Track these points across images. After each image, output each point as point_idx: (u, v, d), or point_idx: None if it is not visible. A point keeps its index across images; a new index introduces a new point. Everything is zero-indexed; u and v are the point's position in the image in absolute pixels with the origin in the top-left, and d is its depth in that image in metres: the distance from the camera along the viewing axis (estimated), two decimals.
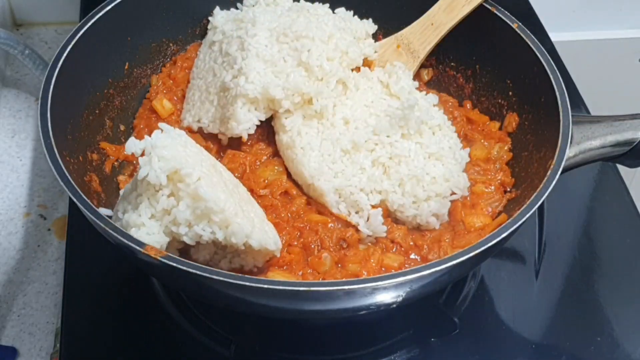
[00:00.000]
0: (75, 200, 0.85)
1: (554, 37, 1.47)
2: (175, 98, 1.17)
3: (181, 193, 0.83)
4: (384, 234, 1.01)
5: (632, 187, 1.25)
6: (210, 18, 1.21)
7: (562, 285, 1.11)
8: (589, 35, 1.77)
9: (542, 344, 1.04)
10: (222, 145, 1.12)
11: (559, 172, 0.90)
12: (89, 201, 0.85)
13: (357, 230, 1.01)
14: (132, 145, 0.84)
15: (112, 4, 1.08)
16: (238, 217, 0.84)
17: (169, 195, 0.83)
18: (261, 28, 1.09)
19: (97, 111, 1.08)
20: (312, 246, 0.98)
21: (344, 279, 0.87)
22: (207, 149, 1.10)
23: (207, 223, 0.83)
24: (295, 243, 0.99)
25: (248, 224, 0.86)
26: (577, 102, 1.36)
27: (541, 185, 0.89)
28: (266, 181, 1.06)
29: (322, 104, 1.06)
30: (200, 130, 1.13)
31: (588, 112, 1.35)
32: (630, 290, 1.11)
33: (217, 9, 1.21)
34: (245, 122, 1.07)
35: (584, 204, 1.24)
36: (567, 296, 1.10)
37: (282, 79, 1.05)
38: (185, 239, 0.85)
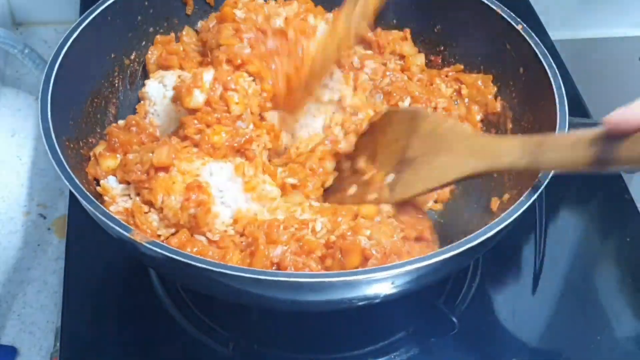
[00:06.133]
0: (68, 184, 0.85)
1: (553, 36, 1.47)
2: None
3: None
4: None
5: (632, 187, 1.25)
6: None
7: (562, 285, 1.11)
8: (589, 34, 1.77)
9: (541, 344, 1.04)
10: None
11: (551, 173, 0.90)
12: (83, 188, 0.85)
13: None
14: None
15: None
16: None
17: None
18: None
19: (97, 106, 1.09)
20: None
21: (330, 272, 0.87)
22: None
23: None
24: None
25: None
26: (577, 101, 1.35)
27: (531, 187, 0.89)
28: None
29: None
30: None
31: (587, 110, 1.35)
32: (631, 290, 1.11)
33: None
34: None
35: (584, 204, 1.24)
36: (566, 296, 1.10)
37: None
38: None
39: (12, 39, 1.29)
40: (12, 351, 1.06)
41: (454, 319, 1.03)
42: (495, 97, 1.14)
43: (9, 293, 1.13)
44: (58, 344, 1.02)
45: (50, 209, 1.25)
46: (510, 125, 1.11)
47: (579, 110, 1.33)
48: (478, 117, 1.16)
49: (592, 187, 1.25)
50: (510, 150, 0.86)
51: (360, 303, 0.88)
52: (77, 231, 1.10)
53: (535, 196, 0.87)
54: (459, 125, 0.98)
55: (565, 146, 0.81)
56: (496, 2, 1.13)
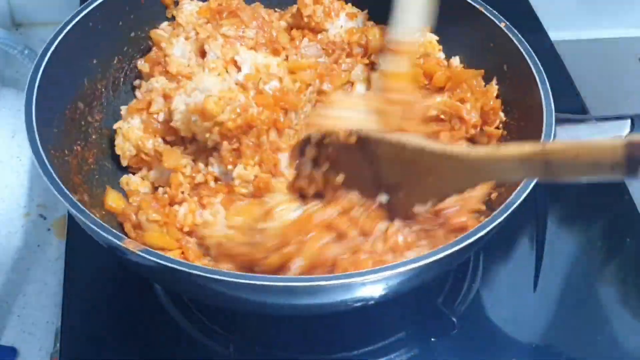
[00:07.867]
0: (57, 193, 0.85)
1: (553, 36, 1.47)
2: None
3: None
4: None
5: (632, 187, 1.25)
6: None
7: (562, 285, 1.11)
8: (589, 34, 1.77)
9: (541, 344, 1.04)
10: None
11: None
12: (72, 197, 0.86)
13: None
14: None
15: None
16: None
17: None
18: None
19: (82, 113, 1.08)
20: None
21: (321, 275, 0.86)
22: None
23: None
24: None
25: None
26: (577, 101, 1.35)
27: (520, 185, 0.86)
28: None
29: None
30: None
31: (587, 110, 1.35)
32: (631, 290, 1.11)
33: None
34: None
35: (583, 204, 1.24)
36: (566, 296, 1.10)
37: None
38: None
39: (12, 39, 1.29)
40: (12, 351, 1.06)
41: (454, 319, 1.03)
42: None
43: (9, 293, 1.13)
44: (58, 344, 1.02)
45: (50, 210, 1.25)
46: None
47: (578, 110, 1.33)
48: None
49: (592, 186, 1.25)
50: (514, 168, 0.74)
51: (356, 304, 0.88)
52: (77, 232, 1.09)
53: (523, 197, 0.86)
54: (425, 147, 0.79)
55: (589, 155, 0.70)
56: (480, 0, 1.13)
